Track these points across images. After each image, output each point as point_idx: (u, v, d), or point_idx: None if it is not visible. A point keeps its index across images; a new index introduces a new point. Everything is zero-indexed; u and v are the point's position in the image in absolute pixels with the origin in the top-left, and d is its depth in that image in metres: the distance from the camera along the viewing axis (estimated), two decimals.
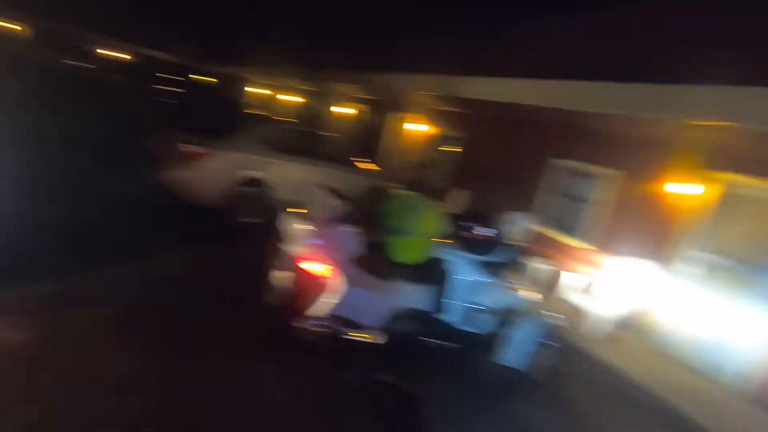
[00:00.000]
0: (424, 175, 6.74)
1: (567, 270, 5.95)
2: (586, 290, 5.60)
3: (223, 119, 6.68)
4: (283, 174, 6.10)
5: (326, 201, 3.29)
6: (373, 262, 3.09)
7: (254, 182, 5.87)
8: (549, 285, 5.81)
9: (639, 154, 5.76)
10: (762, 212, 4.66)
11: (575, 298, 5.47)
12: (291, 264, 2.97)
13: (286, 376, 2.85)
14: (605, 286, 5.43)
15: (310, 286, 2.85)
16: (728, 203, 4.93)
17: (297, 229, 2.99)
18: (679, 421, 3.69)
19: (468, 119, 8.63)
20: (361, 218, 3.18)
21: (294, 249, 2.99)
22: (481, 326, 3.55)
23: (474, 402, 3.16)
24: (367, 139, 11.10)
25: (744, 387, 4.39)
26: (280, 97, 14.77)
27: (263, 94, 14.35)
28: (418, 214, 3.35)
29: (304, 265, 2.89)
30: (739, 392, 4.39)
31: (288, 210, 3.21)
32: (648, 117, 4.77)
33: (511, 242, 3.73)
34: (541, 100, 5.88)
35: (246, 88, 16.41)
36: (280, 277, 3.07)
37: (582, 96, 5.38)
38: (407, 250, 3.28)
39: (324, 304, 2.83)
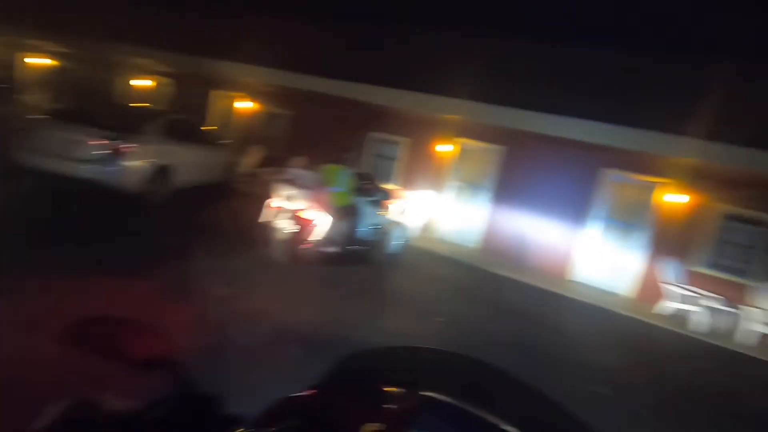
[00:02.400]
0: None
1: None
2: (403, 212, 9.45)
3: (131, 116, 7.18)
4: (182, 159, 7.39)
5: (307, 175, 5.54)
6: (331, 207, 5.71)
7: (162, 168, 7.00)
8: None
9: (419, 128, 9.74)
10: (478, 158, 9.32)
11: (399, 216, 9.22)
12: (293, 215, 5.30)
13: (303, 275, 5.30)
14: (412, 208, 9.37)
15: (309, 225, 5.32)
16: (464, 154, 9.44)
17: (293, 194, 5.27)
18: (452, 263, 7.88)
19: (305, 102, 11.11)
20: (321, 184, 5.67)
21: (294, 206, 5.32)
22: (376, 236, 6.67)
23: (375, 268, 6.37)
24: (235, 125, 12.25)
25: (478, 248, 9.15)
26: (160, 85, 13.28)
27: (145, 85, 12.71)
28: (342, 177, 6.06)
29: (304, 215, 5.31)
30: (476, 251, 9.13)
31: (283, 184, 5.37)
32: (420, 109, 8.61)
33: (380, 189, 6.89)
34: (355, 95, 9.13)
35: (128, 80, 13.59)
36: (282, 224, 5.32)
37: (380, 95, 8.83)
38: (341, 199, 5.98)
39: (322, 232, 5.36)
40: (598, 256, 8.33)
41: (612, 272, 8.19)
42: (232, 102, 12.03)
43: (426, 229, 9.64)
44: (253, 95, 11.67)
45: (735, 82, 6.59)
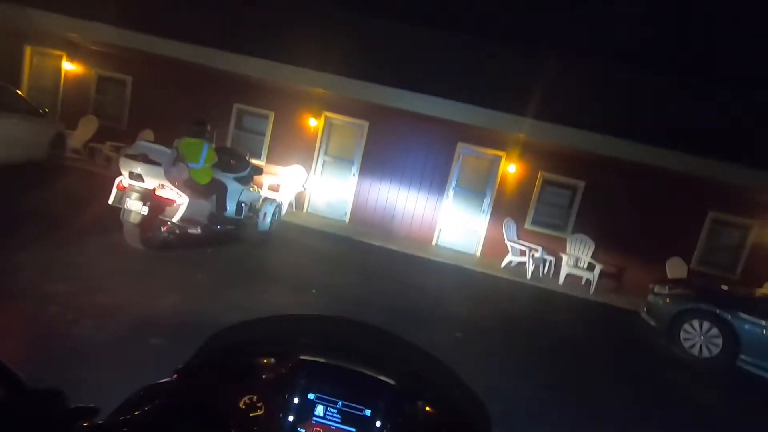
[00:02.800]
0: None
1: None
2: (273, 188, 9.16)
3: None
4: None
5: (161, 150, 4.84)
6: (190, 185, 5.21)
7: None
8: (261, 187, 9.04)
9: (288, 101, 9.42)
10: (345, 132, 9.47)
11: (269, 193, 8.91)
12: (149, 194, 4.68)
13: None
14: (282, 184, 9.15)
15: (167, 205, 4.79)
16: (332, 128, 9.49)
17: (146, 171, 4.63)
18: (324, 236, 8.05)
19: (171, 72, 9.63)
20: (177, 159, 5.07)
21: (148, 185, 4.69)
22: (244, 214, 6.37)
23: (246, 247, 6.16)
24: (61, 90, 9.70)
25: (349, 221, 9.45)
26: None
27: None
28: (202, 152, 5.56)
29: (161, 193, 4.73)
30: (347, 224, 9.42)
31: (138, 161, 4.64)
32: (288, 83, 8.35)
33: (248, 164, 6.55)
34: (213, 63, 8.39)
35: None
36: (134, 205, 4.67)
37: (242, 65, 8.28)
38: (203, 176, 5.51)
39: (181, 213, 4.86)
40: (455, 222, 9.39)
41: (466, 235, 9.35)
42: (57, 62, 9.87)
43: (297, 204, 9.55)
44: (83, 55, 9.75)
45: (557, 71, 8.00)
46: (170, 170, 4.78)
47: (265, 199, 6.84)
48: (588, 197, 8.86)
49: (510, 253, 8.55)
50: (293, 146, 9.53)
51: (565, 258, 8.42)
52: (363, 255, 7.37)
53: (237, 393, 0.93)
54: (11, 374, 0.80)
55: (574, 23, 10.18)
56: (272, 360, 1.08)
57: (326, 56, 8.23)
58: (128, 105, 9.92)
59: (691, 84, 8.30)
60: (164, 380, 0.99)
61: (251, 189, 6.65)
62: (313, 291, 4.99)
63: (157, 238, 5.03)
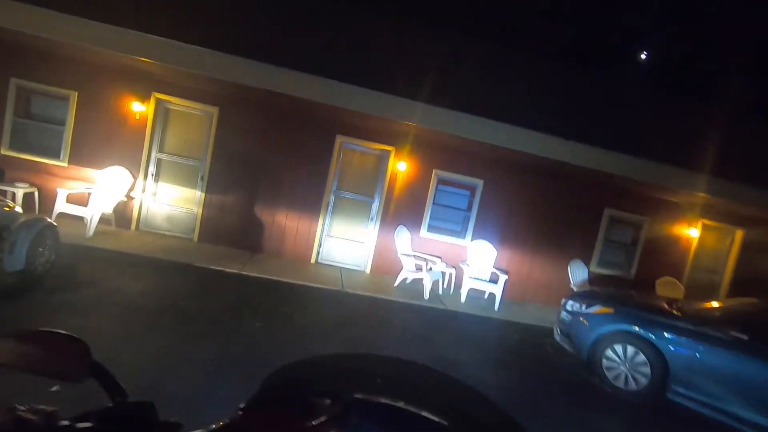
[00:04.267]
0: None
1: (59, 186, 6.47)
2: (85, 197, 6.43)
3: None
4: None
5: None
6: None
7: None
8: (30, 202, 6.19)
9: (97, 78, 6.74)
10: (183, 121, 7.11)
11: (68, 208, 6.17)
12: None
13: None
14: (97, 192, 6.47)
15: None
16: (165, 116, 7.05)
17: None
18: (154, 264, 5.70)
19: None
20: None
21: None
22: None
23: None
24: None
25: (196, 237, 7.10)
26: None
27: None
28: None
29: None
30: (194, 241, 7.06)
31: None
32: (98, 51, 5.78)
33: None
34: None
35: None
36: None
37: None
38: None
39: None
40: (338, 233, 7.62)
41: (353, 249, 7.64)
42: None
43: (120, 219, 6.93)
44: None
45: (451, 51, 6.70)
46: None
47: (23, 222, 4.28)
48: (487, 197, 7.79)
49: (404, 268, 7.05)
50: (111, 140, 6.88)
51: (465, 270, 7.19)
52: (205, 293, 5.18)
53: (294, 428, 1.04)
54: (118, 385, 0.95)
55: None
56: (328, 399, 1.13)
57: (149, 14, 5.86)
58: None
59: (588, 74, 7.68)
60: (233, 418, 1.06)
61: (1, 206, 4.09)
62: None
63: None
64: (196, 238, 7.15)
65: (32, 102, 6.82)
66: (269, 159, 7.22)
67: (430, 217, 7.71)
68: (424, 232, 7.67)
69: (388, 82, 6.22)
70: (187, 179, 7.17)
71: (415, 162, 7.55)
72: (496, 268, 7.47)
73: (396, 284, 7.04)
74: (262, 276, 6.08)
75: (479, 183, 7.73)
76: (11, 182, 6.48)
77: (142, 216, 7.10)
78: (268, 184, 7.25)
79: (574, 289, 7.42)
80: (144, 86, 6.80)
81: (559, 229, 7.96)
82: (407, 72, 6.45)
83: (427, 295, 6.74)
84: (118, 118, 6.84)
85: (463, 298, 7.03)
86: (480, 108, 6.32)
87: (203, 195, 7.12)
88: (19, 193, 6.32)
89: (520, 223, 7.84)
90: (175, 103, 6.99)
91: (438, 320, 5.92)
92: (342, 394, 1.13)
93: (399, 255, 7.07)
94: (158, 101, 6.93)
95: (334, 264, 7.59)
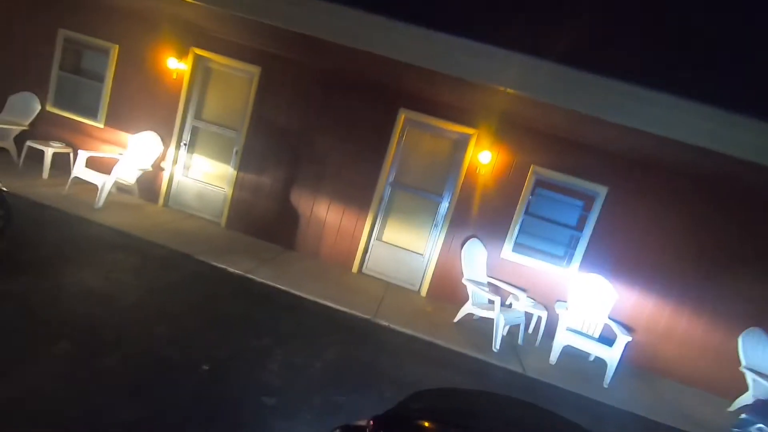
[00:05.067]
0: None
1: (88, 149, 5.84)
2: (113, 163, 5.70)
3: None
4: None
5: None
6: None
7: None
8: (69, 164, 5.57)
9: (137, 29, 5.93)
10: (222, 82, 5.95)
11: (85, 173, 5.44)
12: None
13: None
14: (125, 159, 5.70)
15: None
16: (205, 74, 5.96)
17: None
18: (146, 253, 4.59)
19: None
20: None
21: None
22: None
23: None
24: None
25: (224, 223, 5.95)
26: None
27: None
28: None
29: None
30: (220, 226, 5.92)
31: None
32: None
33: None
34: None
35: None
36: None
37: None
38: None
39: None
40: (389, 237, 5.86)
41: (406, 257, 5.81)
42: None
43: (146, 191, 6.09)
44: None
45: None
46: None
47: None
48: (610, 213, 5.28)
49: (470, 301, 5.00)
50: (146, 102, 6.04)
51: (562, 314, 4.87)
52: (165, 306, 3.86)
53: None
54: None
55: None
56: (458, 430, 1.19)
57: None
58: None
59: None
60: (360, 423, 1.15)
61: None
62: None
63: None
64: (223, 223, 6.01)
65: (76, 55, 6.28)
66: (312, 134, 5.73)
67: (520, 232, 5.49)
68: (507, 251, 5.48)
69: (478, 25, 4.18)
70: (222, 152, 6.04)
71: (506, 153, 5.38)
72: (614, 320, 4.99)
73: (456, 319, 5.05)
74: (273, 284, 4.61)
75: (600, 191, 5.25)
76: (48, 141, 6.01)
77: (171, 190, 6.18)
78: (309, 165, 5.77)
79: (753, 395, 4.53)
80: (183, 39, 5.79)
81: (729, 274, 5.09)
82: (505, 12, 4.33)
83: (497, 345, 4.64)
84: (154, 76, 5.95)
85: (553, 358, 4.75)
86: (633, 72, 3.91)
87: (235, 173, 5.93)
88: (49, 152, 5.78)
89: (663, 256, 5.18)
90: (215, 60, 5.86)
91: (506, 391, 3.82)
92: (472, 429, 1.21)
93: (464, 280, 5.03)
94: (197, 58, 5.87)
95: (381, 276, 5.85)
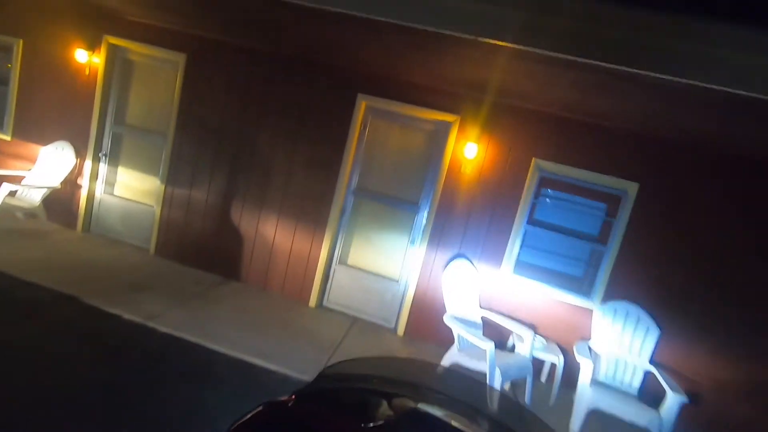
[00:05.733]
0: None
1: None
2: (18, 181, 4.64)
3: None
4: None
5: None
6: None
7: None
8: None
9: (43, 21, 4.90)
10: (144, 75, 4.84)
11: None
12: None
13: None
14: (31, 177, 4.65)
15: None
16: (122, 68, 4.87)
17: None
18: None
19: None
20: None
21: None
22: None
23: None
24: None
25: (153, 249, 4.79)
26: None
27: None
28: None
29: None
30: (150, 254, 4.76)
31: None
32: None
33: None
34: None
35: None
36: None
37: None
38: None
39: None
40: (355, 260, 4.60)
41: (378, 288, 4.52)
42: None
43: (55, 213, 5.00)
44: None
45: None
46: None
47: None
48: (645, 218, 3.90)
49: (455, 345, 3.67)
50: (57, 106, 4.98)
51: (584, 363, 3.48)
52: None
53: (346, 425, 1.05)
54: None
55: None
56: (384, 401, 1.15)
57: None
58: None
59: None
60: (283, 398, 1.13)
61: None
62: None
63: None
64: (152, 250, 4.86)
65: None
66: (253, 133, 4.54)
67: (522, 247, 4.15)
68: (506, 272, 4.14)
69: None
70: (150, 162, 4.92)
71: (498, 144, 4.08)
72: (659, 366, 3.58)
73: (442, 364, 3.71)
74: (180, 335, 3.39)
75: (629, 189, 3.88)
76: None
77: (93, 212, 5.08)
78: (251, 173, 4.58)
79: None
80: (94, 26, 4.73)
81: None
82: None
83: (493, 404, 3.29)
84: (65, 74, 4.90)
85: (575, 425, 3.36)
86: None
87: (163, 187, 4.78)
88: None
89: (732, 276, 3.75)
90: (134, 50, 4.77)
91: None
92: (400, 400, 1.14)
93: (446, 319, 3.70)
94: (112, 48, 4.79)
95: (347, 310, 4.58)
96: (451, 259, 4.16)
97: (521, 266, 4.17)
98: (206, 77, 4.57)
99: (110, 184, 5.04)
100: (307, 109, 4.40)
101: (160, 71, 4.77)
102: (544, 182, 4.08)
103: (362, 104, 4.29)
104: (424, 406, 1.15)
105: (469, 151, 4.03)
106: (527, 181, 4.03)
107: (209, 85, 4.57)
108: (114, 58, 4.82)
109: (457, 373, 1.50)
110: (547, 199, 4.12)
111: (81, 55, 4.70)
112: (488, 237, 4.14)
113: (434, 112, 4.16)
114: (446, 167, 4.16)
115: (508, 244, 4.10)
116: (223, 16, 3.66)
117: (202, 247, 4.76)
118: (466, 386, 1.59)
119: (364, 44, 3.34)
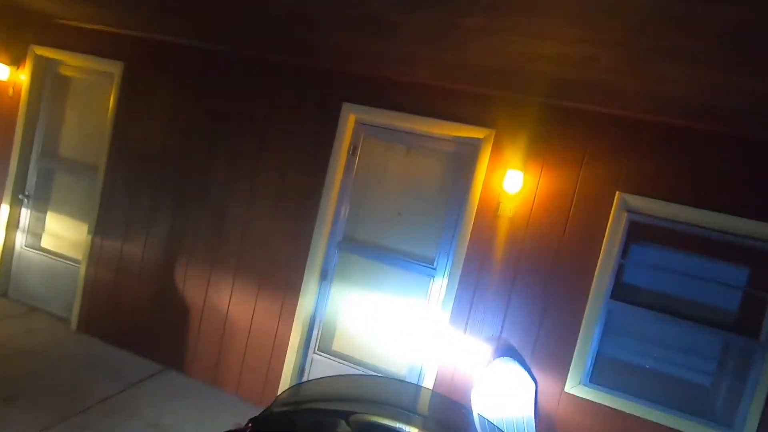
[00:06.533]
0: None
1: None
2: None
3: None
4: None
5: None
6: None
7: None
8: None
9: None
10: (77, 92, 3.77)
11: None
12: None
13: None
14: None
15: None
16: (51, 83, 3.81)
17: None
18: None
19: None
20: None
21: None
22: None
23: None
24: None
25: (75, 326, 3.51)
26: None
27: None
28: None
29: None
30: (71, 330, 3.48)
31: None
32: None
33: None
34: None
35: None
36: None
37: None
38: None
39: None
40: (341, 345, 3.13)
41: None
42: None
43: None
44: None
45: None
46: None
47: None
48: None
49: None
50: None
51: None
52: None
53: None
54: None
55: None
56: (342, 420, 1.13)
57: None
58: None
59: None
60: (239, 428, 1.09)
61: None
62: None
63: None
64: (74, 323, 3.59)
65: None
66: (204, 164, 3.29)
67: (603, 337, 2.55)
68: (572, 384, 2.53)
69: None
70: (82, 205, 3.75)
71: (558, 170, 2.59)
72: None
73: None
74: None
75: None
76: None
77: (11, 270, 3.91)
78: (201, 218, 3.29)
79: None
80: (18, 34, 3.74)
81: None
82: None
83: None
84: None
85: None
86: None
87: (90, 237, 3.56)
88: None
89: None
90: (67, 63, 3.72)
91: None
92: (356, 417, 1.13)
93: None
94: (40, 61, 3.76)
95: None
96: (497, 356, 2.61)
97: (598, 374, 2.55)
98: (146, 91, 3.42)
99: (34, 234, 3.89)
100: (275, 126, 3.12)
101: (96, 87, 3.68)
102: (637, 230, 2.53)
103: (350, 118, 2.96)
104: (382, 420, 1.15)
105: (511, 182, 2.57)
106: (608, 227, 2.49)
107: (149, 101, 3.41)
108: (43, 73, 3.79)
109: (412, 384, 1.53)
110: (644, 257, 2.55)
111: (2, 71, 3.70)
112: (543, 321, 2.58)
113: (455, 126, 2.76)
114: (475, 207, 2.70)
115: (580, 336, 2.51)
116: (165, 4, 2.50)
117: (137, 322, 3.43)
118: (420, 396, 1.62)
119: (350, 30, 2.04)
